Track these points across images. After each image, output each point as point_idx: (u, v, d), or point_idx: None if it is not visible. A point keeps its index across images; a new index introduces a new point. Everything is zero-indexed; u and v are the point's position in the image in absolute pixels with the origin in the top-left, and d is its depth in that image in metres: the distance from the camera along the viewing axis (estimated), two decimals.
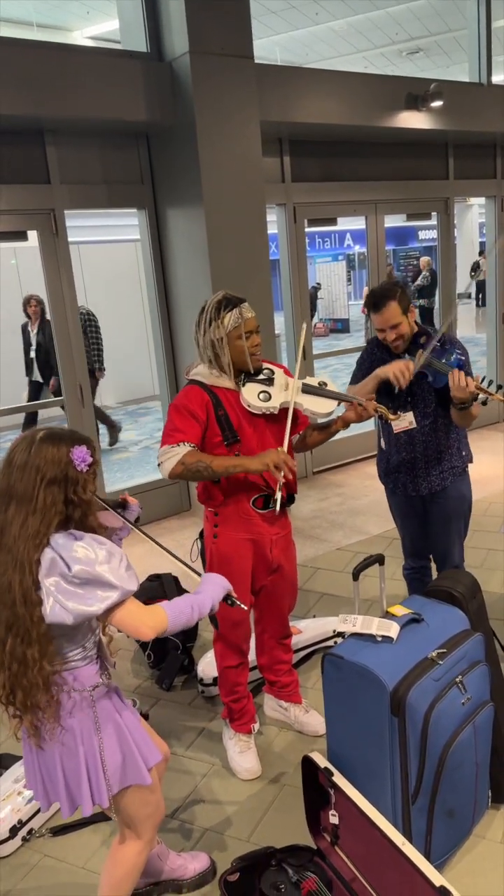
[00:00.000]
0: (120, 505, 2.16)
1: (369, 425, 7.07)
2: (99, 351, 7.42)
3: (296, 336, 6.03)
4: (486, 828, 2.39)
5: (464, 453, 3.06)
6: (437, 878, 1.74)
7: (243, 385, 2.53)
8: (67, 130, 4.72)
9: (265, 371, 2.58)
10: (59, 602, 1.65)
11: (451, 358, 2.76)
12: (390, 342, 2.90)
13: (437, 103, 5.85)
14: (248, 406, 2.49)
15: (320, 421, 2.72)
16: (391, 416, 2.71)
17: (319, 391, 2.62)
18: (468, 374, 2.79)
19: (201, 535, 2.78)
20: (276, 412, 2.54)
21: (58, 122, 4.52)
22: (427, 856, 2.12)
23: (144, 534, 2.01)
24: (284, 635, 2.93)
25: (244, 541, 2.61)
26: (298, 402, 2.56)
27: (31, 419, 7.85)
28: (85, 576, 1.65)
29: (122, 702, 1.88)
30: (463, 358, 2.81)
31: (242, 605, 1.97)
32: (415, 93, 5.83)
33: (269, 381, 2.56)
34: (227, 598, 1.93)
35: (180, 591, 3.62)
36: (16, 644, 1.67)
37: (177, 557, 2.02)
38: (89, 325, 7.23)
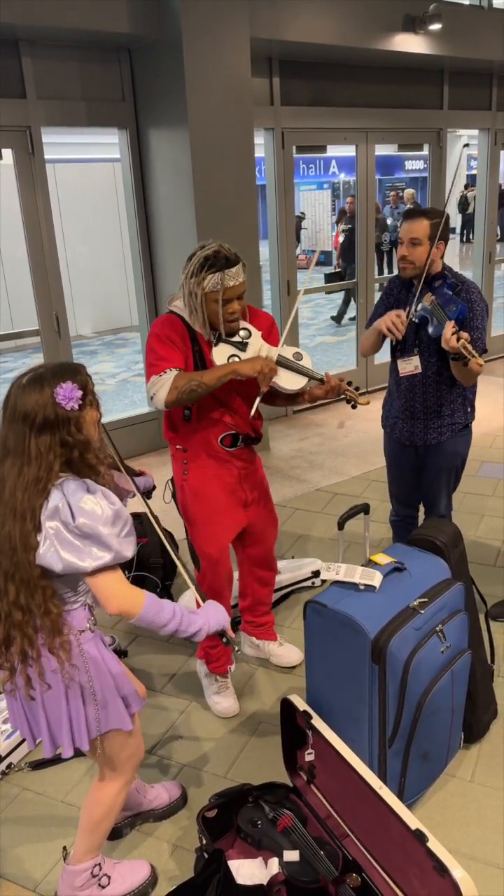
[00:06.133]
0: (135, 473, 2.15)
1: (352, 364, 7.00)
2: None
3: (281, 272, 5.87)
4: (456, 767, 2.47)
5: (468, 410, 3.01)
6: (413, 822, 1.78)
7: (215, 345, 2.45)
8: (45, 41, 4.42)
9: (242, 332, 2.48)
10: (55, 547, 1.63)
11: (454, 308, 2.69)
12: (399, 258, 2.84)
13: (436, 26, 5.57)
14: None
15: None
16: (360, 401, 2.63)
17: (292, 365, 2.54)
18: (472, 328, 2.73)
19: (172, 480, 2.75)
20: (242, 379, 2.45)
21: (34, 31, 4.22)
22: (400, 795, 2.19)
23: (160, 529, 2.03)
24: (269, 568, 2.93)
25: (214, 475, 2.60)
26: None
27: None
28: (87, 530, 1.62)
29: (105, 648, 1.87)
30: (467, 313, 2.72)
31: (235, 645, 1.97)
32: (413, 14, 5.54)
33: (243, 345, 2.47)
34: (221, 634, 1.89)
35: (163, 530, 3.59)
36: (19, 592, 1.66)
37: (186, 570, 2.03)
38: None
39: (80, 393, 1.66)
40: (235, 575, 2.94)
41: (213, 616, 1.86)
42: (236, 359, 2.43)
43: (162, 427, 2.68)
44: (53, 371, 1.68)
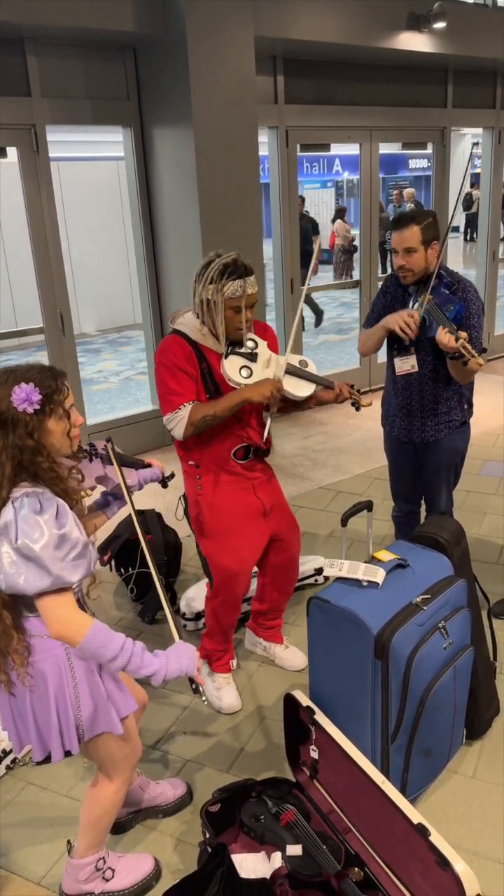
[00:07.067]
0: (141, 465, 2.11)
1: (355, 363, 7.01)
2: None
3: (284, 270, 5.88)
4: (458, 763, 2.48)
5: (465, 407, 3.02)
6: (415, 816, 1.79)
7: (226, 357, 2.46)
8: (49, 40, 4.44)
9: (249, 343, 2.50)
10: (2, 564, 1.61)
11: (452, 308, 2.69)
12: (397, 267, 2.85)
13: (440, 24, 5.58)
14: (228, 380, 2.44)
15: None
16: (363, 403, 2.69)
17: (300, 373, 2.59)
18: (469, 326, 2.73)
19: (184, 496, 2.76)
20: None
21: (39, 29, 4.24)
22: (403, 791, 2.19)
23: (139, 531, 1.94)
24: (291, 578, 2.92)
25: (228, 489, 2.61)
26: None
27: None
28: (27, 552, 1.59)
29: None
30: (464, 311, 2.73)
31: (203, 697, 1.87)
32: (417, 12, 5.55)
33: (253, 356, 2.49)
34: (191, 680, 1.83)
35: (164, 527, 3.61)
36: None
37: (165, 597, 1.93)
38: None
39: (38, 397, 1.61)
40: None
41: (176, 661, 1.76)
42: (247, 370, 2.46)
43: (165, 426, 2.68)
44: (25, 370, 1.65)
